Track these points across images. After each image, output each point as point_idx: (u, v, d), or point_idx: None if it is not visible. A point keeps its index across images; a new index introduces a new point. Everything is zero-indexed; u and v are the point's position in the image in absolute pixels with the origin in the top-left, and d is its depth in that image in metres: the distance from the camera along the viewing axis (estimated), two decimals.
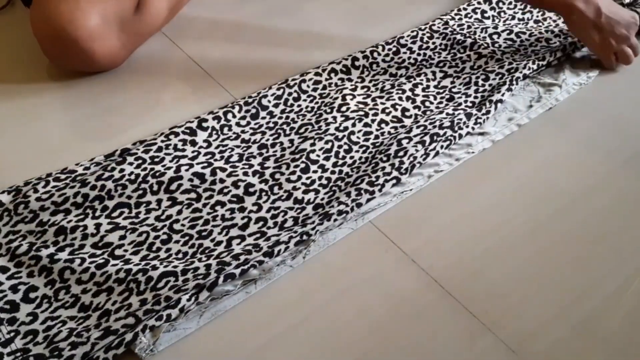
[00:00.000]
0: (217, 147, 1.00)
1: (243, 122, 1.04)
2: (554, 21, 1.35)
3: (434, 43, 1.24)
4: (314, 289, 0.83)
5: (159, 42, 1.23)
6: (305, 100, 1.10)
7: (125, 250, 0.85)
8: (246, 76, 1.16)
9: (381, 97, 1.11)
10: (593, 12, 1.17)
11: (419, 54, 1.22)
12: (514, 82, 1.14)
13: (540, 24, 1.34)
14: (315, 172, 0.97)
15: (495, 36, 1.27)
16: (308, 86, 1.12)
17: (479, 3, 1.37)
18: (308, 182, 0.95)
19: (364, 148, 1.01)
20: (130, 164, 0.93)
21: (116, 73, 1.15)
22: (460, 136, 1.03)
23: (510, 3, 1.39)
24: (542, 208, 0.96)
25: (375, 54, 1.20)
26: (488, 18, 1.34)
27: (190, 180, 0.92)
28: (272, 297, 0.82)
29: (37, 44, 1.08)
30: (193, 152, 0.98)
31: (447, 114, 1.07)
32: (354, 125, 1.04)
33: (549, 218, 0.94)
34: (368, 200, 0.92)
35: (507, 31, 1.28)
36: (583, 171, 1.02)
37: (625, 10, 1.22)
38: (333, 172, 0.97)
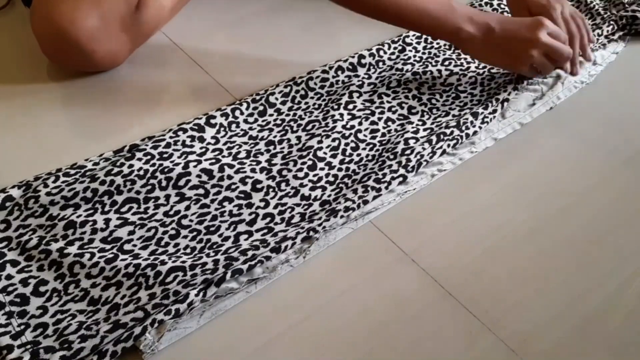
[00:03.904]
0: (225, 144, 1.01)
1: (251, 119, 1.05)
2: None
3: (438, 43, 1.25)
4: (314, 288, 0.84)
5: (159, 42, 1.23)
6: (312, 97, 1.11)
7: (134, 245, 0.86)
8: (247, 76, 1.16)
9: (387, 95, 1.12)
10: (482, 31, 1.07)
11: (424, 53, 1.23)
12: (520, 81, 1.15)
13: None
14: (322, 169, 0.98)
15: None
16: (315, 83, 1.12)
17: (480, 5, 1.38)
18: (315, 179, 0.96)
19: (371, 146, 1.02)
20: (139, 159, 0.94)
21: (116, 73, 1.15)
22: (467, 135, 1.04)
23: None
24: (542, 208, 0.96)
25: (381, 52, 1.21)
26: None
27: (199, 176, 0.93)
28: (272, 296, 0.82)
29: (37, 43, 1.08)
30: (201, 148, 0.99)
31: (453, 115, 1.08)
32: (360, 123, 1.05)
33: (549, 218, 0.95)
34: (374, 197, 0.93)
35: None
36: (583, 171, 1.03)
37: (526, 19, 1.10)
38: (340, 170, 0.98)
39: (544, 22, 1.08)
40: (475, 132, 1.05)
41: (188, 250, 0.86)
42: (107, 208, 0.89)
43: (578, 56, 1.16)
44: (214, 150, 0.99)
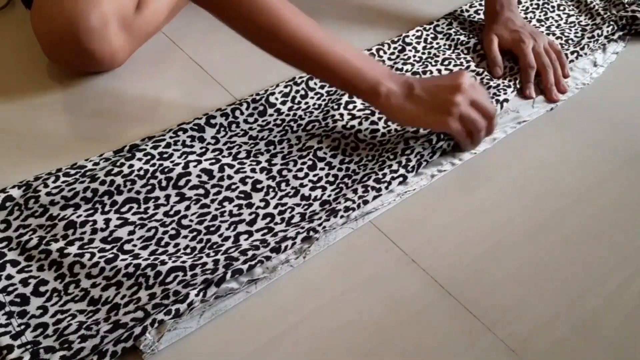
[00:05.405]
0: (225, 144, 1.01)
1: (251, 119, 1.05)
2: (556, 21, 1.36)
3: (437, 44, 1.25)
4: (314, 288, 0.84)
5: (159, 42, 1.23)
6: (312, 97, 1.11)
7: (134, 245, 0.86)
8: (246, 76, 1.16)
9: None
10: (402, 86, 0.98)
11: (423, 53, 1.23)
12: (519, 83, 1.16)
13: (543, 23, 1.35)
14: (322, 169, 0.98)
15: None
16: (315, 83, 1.12)
17: (480, 5, 1.38)
18: (315, 179, 0.96)
19: (371, 146, 1.02)
20: (139, 159, 0.94)
21: (117, 73, 1.15)
22: None
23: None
24: (542, 208, 0.96)
25: (381, 52, 1.21)
26: None
27: (199, 176, 0.93)
28: (273, 296, 0.82)
29: (38, 43, 1.09)
30: (201, 148, 0.99)
31: None
32: (360, 123, 1.05)
33: (549, 218, 0.95)
34: (375, 197, 0.93)
35: None
36: (583, 171, 1.03)
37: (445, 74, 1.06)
38: (340, 170, 0.98)
39: (464, 72, 1.00)
40: None
41: (188, 250, 0.86)
42: (107, 208, 0.89)
43: (553, 86, 1.17)
44: (214, 150, 0.99)
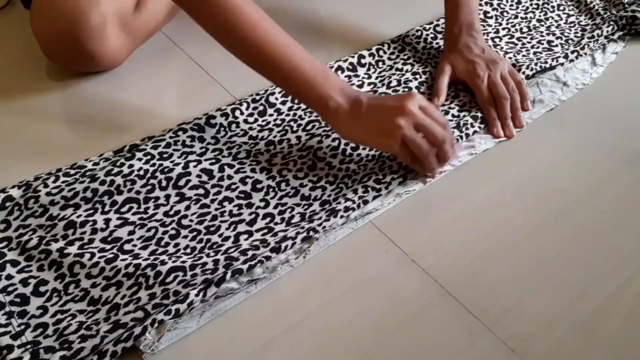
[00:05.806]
0: (225, 144, 1.01)
1: (251, 119, 1.05)
2: (556, 21, 1.35)
3: (437, 43, 1.25)
4: (314, 288, 0.84)
5: (159, 42, 1.23)
6: None
7: (134, 245, 0.86)
8: (246, 76, 1.14)
9: (388, 95, 1.12)
10: (351, 103, 0.95)
11: (423, 53, 1.23)
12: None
13: (543, 23, 1.35)
14: (322, 169, 0.98)
15: (497, 39, 1.28)
16: None
17: (480, 5, 1.37)
18: (315, 179, 0.96)
19: None
20: (139, 159, 0.94)
21: (116, 73, 1.15)
22: (467, 135, 1.04)
23: (511, 4, 1.39)
24: (542, 208, 0.96)
25: (381, 52, 1.21)
26: (491, 17, 1.35)
27: (199, 176, 0.93)
28: (273, 296, 0.82)
29: (37, 43, 1.09)
30: (201, 148, 0.99)
31: (453, 115, 1.08)
32: None
33: (549, 218, 0.95)
34: (374, 197, 0.93)
35: (509, 36, 1.29)
36: (583, 171, 1.03)
37: (396, 96, 0.98)
38: (340, 170, 0.98)
39: (415, 94, 0.95)
40: (475, 132, 1.05)
41: (188, 250, 0.86)
42: (107, 208, 0.89)
43: (508, 119, 1.08)
44: (214, 150, 0.99)
